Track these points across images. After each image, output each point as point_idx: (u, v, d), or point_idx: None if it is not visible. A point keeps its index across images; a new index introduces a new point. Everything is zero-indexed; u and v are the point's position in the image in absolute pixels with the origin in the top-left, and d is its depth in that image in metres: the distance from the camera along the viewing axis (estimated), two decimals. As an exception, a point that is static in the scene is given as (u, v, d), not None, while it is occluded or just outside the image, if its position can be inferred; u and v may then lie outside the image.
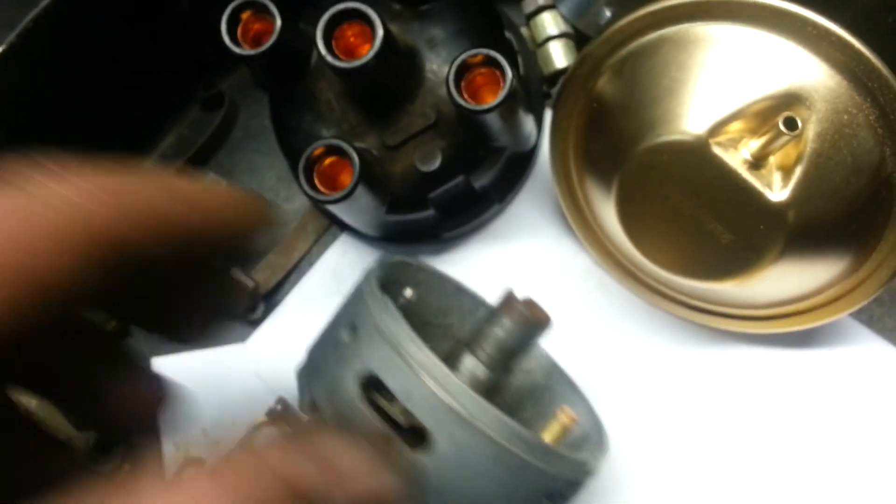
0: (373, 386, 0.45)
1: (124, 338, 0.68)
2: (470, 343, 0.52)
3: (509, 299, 0.52)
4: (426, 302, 0.59)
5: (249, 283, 0.67)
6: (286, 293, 0.69)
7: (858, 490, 0.58)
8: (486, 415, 0.42)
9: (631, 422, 0.61)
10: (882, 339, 0.61)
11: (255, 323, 0.69)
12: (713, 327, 0.62)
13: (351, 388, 0.44)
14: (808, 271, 0.54)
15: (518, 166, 0.66)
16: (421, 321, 0.58)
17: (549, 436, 0.50)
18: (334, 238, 0.70)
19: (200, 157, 0.72)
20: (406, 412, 0.43)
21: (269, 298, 0.69)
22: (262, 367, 0.67)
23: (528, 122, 0.62)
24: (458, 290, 0.59)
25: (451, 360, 0.52)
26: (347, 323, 0.47)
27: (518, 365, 0.55)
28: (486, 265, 0.67)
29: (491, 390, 0.52)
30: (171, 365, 0.68)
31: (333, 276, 0.69)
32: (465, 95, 0.53)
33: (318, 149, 0.54)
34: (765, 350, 0.62)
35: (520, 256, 0.67)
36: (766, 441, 0.60)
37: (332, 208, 0.58)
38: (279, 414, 0.65)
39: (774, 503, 0.58)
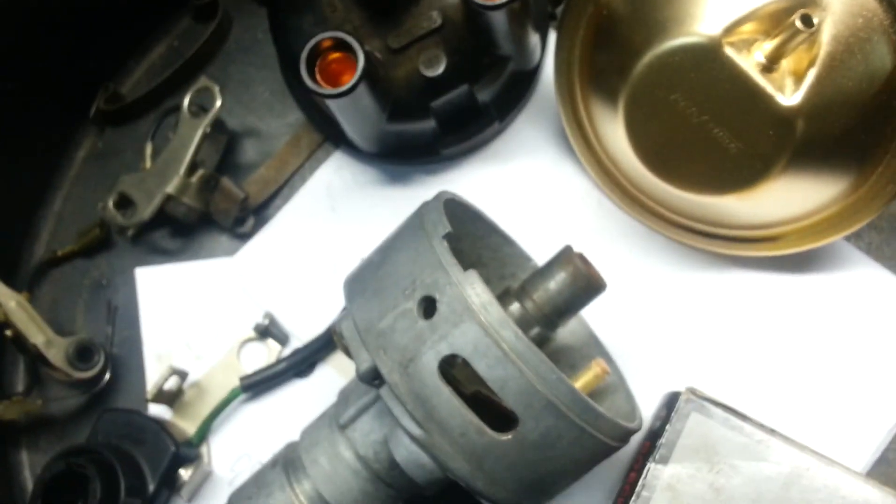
0: (449, 361, 0.44)
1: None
2: (519, 294, 0.51)
3: (568, 254, 0.50)
4: (469, 244, 0.57)
5: (240, 194, 0.65)
6: (278, 208, 0.68)
7: (849, 411, 0.58)
8: (578, 404, 0.42)
9: (624, 346, 0.60)
10: (880, 265, 0.61)
11: (244, 237, 0.67)
12: (712, 251, 0.61)
13: (431, 368, 0.43)
14: (812, 185, 0.54)
15: (520, 85, 0.65)
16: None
17: (579, 384, 0.50)
18: (328, 155, 0.68)
19: (190, 69, 0.70)
20: (492, 394, 0.43)
21: (259, 213, 0.67)
22: (250, 282, 0.66)
23: (533, 36, 0.61)
24: (506, 240, 0.58)
25: None
26: (420, 289, 0.44)
27: (563, 325, 0.53)
28: (484, 185, 0.65)
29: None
30: (154, 276, 0.67)
31: (327, 193, 0.67)
32: (476, -10, 0.51)
33: (324, 41, 0.53)
34: (763, 275, 0.61)
35: (518, 177, 0.66)
36: (761, 365, 0.60)
37: (334, 108, 0.56)
38: (266, 329, 0.64)
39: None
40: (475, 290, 0.43)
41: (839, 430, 0.57)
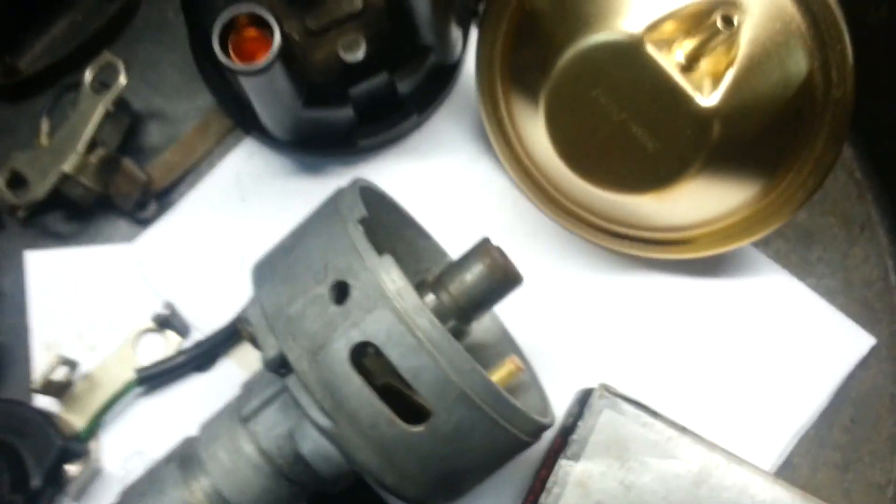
0: (361, 350, 0.42)
1: None
2: (434, 286, 0.49)
3: (486, 246, 0.49)
4: (383, 235, 0.55)
5: (142, 177, 0.62)
6: (182, 195, 0.65)
7: (756, 413, 0.59)
8: (492, 396, 0.41)
9: (536, 344, 0.59)
10: (787, 272, 0.62)
11: (145, 222, 0.64)
12: (625, 252, 0.61)
13: (342, 355, 0.41)
14: (726, 188, 0.55)
15: (440, 79, 0.64)
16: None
17: (494, 380, 0.48)
18: (238, 141, 0.66)
19: (94, 46, 0.67)
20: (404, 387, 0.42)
21: (163, 198, 0.64)
22: (150, 270, 0.62)
23: (455, 29, 0.61)
24: (421, 234, 0.57)
25: None
26: (333, 273, 0.43)
27: (478, 320, 0.52)
28: (400, 179, 0.64)
29: None
30: (46, 260, 0.63)
31: (235, 181, 0.65)
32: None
33: (240, 16, 0.50)
34: (674, 278, 0.62)
35: (435, 173, 0.65)
36: (671, 365, 0.60)
37: (248, 89, 0.54)
38: (166, 320, 0.61)
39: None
40: (390, 276, 0.42)
41: (746, 433, 0.58)
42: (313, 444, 0.44)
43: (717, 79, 0.50)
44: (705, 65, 0.50)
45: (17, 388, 0.61)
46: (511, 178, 0.63)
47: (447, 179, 0.65)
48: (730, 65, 0.50)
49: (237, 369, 0.61)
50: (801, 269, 0.63)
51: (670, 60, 0.50)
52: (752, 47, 0.50)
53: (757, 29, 0.50)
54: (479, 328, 0.57)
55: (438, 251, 0.58)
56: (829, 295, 0.62)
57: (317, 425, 0.43)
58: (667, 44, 0.50)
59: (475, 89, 0.61)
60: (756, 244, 0.62)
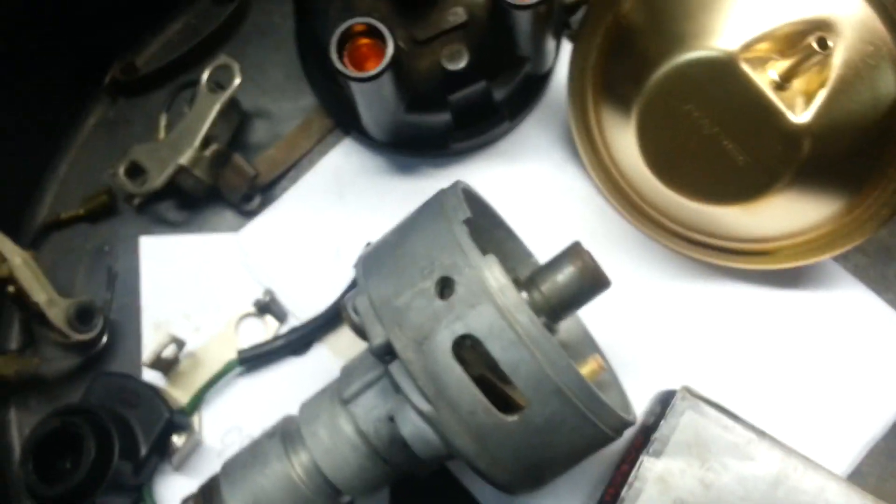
0: (460, 342, 0.44)
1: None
2: (527, 285, 0.52)
3: (578, 249, 0.52)
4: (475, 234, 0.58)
5: (251, 171, 0.66)
6: (284, 189, 0.68)
7: (829, 422, 0.61)
8: (584, 392, 0.44)
9: (615, 345, 0.62)
10: (865, 286, 0.64)
11: (250, 214, 0.68)
12: (706, 261, 0.63)
13: (445, 346, 0.44)
14: (811, 203, 0.56)
15: (533, 87, 0.67)
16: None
17: None
18: (338, 141, 0.69)
19: (206, 48, 0.71)
20: (503, 377, 0.44)
21: (266, 192, 0.68)
22: (253, 258, 0.66)
23: (551, 41, 0.63)
24: (510, 235, 0.59)
25: None
26: (439, 269, 0.45)
27: (564, 319, 0.54)
28: (489, 182, 0.66)
29: None
30: (158, 245, 0.67)
31: (334, 178, 0.68)
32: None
33: (357, 25, 0.54)
34: (753, 288, 0.64)
35: (523, 177, 0.67)
36: (749, 371, 0.62)
37: (356, 93, 0.57)
38: (266, 306, 0.65)
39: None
40: (493, 274, 0.44)
41: (818, 440, 0.60)
42: (413, 427, 0.47)
43: (809, 97, 0.52)
44: (798, 84, 0.52)
45: (128, 362, 0.65)
46: (596, 184, 0.66)
47: (534, 184, 0.67)
48: (822, 84, 0.51)
49: (330, 355, 0.64)
50: (879, 284, 0.64)
51: (764, 78, 0.52)
52: (845, 69, 0.51)
53: (850, 51, 0.51)
54: (563, 327, 0.59)
55: (525, 252, 0.60)
56: (906, 311, 0.64)
57: (418, 410, 0.46)
58: (761, 62, 0.52)
59: (566, 98, 0.64)
60: (836, 258, 0.63)
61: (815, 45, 0.49)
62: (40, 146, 0.70)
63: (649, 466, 0.51)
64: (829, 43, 0.49)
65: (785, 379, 0.62)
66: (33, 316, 0.61)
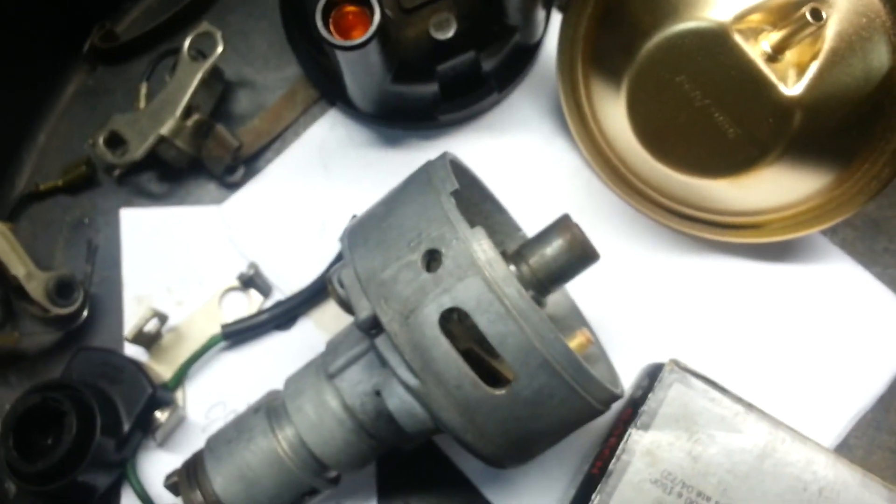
0: (446, 316, 0.44)
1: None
2: (515, 258, 0.51)
3: (566, 221, 0.51)
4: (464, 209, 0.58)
5: (234, 142, 0.64)
6: (268, 161, 0.67)
7: (817, 395, 0.61)
8: (572, 365, 0.43)
9: (603, 319, 0.61)
10: (853, 260, 0.64)
11: (233, 186, 0.67)
12: (695, 235, 0.63)
13: (432, 319, 0.43)
14: (801, 176, 0.56)
15: (522, 58, 0.66)
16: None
17: None
18: (323, 112, 0.68)
19: (188, 15, 0.70)
20: (490, 351, 0.44)
21: (250, 164, 0.67)
22: (236, 231, 0.65)
23: (540, 10, 0.62)
24: (498, 208, 0.59)
25: None
26: (426, 242, 0.45)
27: (552, 292, 0.54)
28: (477, 155, 0.66)
29: None
30: (139, 218, 0.66)
31: (319, 150, 0.67)
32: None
33: (342, -9, 0.53)
34: (742, 261, 0.64)
35: (511, 150, 0.67)
36: (737, 344, 0.62)
37: (342, 62, 0.56)
38: (250, 280, 0.64)
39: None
40: (481, 247, 0.44)
41: (806, 412, 0.60)
42: (400, 401, 0.47)
43: (801, 70, 0.51)
44: (791, 56, 0.51)
45: (108, 337, 0.64)
46: (585, 157, 0.65)
47: (523, 156, 0.67)
48: (815, 57, 0.51)
49: (315, 329, 0.64)
50: (866, 257, 0.64)
51: (756, 50, 0.51)
52: (838, 41, 0.51)
53: (843, 23, 0.51)
54: (551, 301, 0.59)
55: (513, 225, 0.60)
56: (893, 284, 0.63)
57: (405, 384, 0.45)
58: (753, 33, 0.51)
59: (555, 69, 0.63)
60: (824, 232, 0.63)
61: (808, 16, 0.48)
62: (18, 115, 0.68)
63: (637, 439, 0.51)
64: (823, 14, 0.49)
65: (772, 352, 0.62)
66: (12, 290, 0.60)
